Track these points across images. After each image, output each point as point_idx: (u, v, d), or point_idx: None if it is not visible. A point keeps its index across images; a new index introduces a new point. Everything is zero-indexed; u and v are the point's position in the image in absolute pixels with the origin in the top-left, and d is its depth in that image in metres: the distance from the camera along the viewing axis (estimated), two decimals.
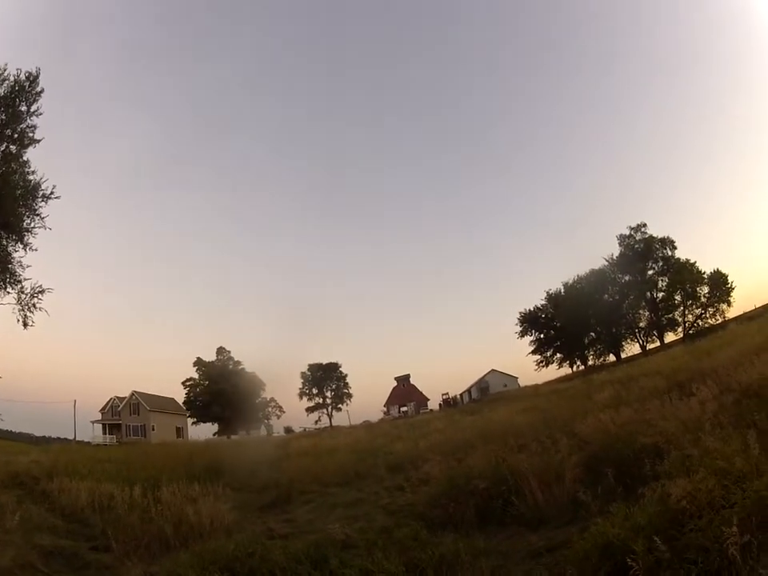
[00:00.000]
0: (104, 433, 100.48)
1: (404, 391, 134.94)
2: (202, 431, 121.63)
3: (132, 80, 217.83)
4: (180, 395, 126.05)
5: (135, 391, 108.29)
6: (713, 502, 7.80)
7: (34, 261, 36.47)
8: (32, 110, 35.48)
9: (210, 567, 10.68)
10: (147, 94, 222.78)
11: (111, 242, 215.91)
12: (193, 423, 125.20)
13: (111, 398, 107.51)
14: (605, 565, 8.01)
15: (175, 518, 15.94)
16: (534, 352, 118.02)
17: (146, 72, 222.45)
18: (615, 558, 7.87)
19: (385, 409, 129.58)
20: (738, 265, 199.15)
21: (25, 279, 35.82)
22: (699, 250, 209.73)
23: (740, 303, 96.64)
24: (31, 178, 35.63)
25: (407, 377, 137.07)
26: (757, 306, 77.34)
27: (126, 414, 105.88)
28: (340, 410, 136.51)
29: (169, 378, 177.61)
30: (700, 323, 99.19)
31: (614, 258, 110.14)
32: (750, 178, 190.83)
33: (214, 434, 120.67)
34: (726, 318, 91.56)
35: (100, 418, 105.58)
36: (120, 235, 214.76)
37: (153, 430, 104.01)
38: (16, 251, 35.82)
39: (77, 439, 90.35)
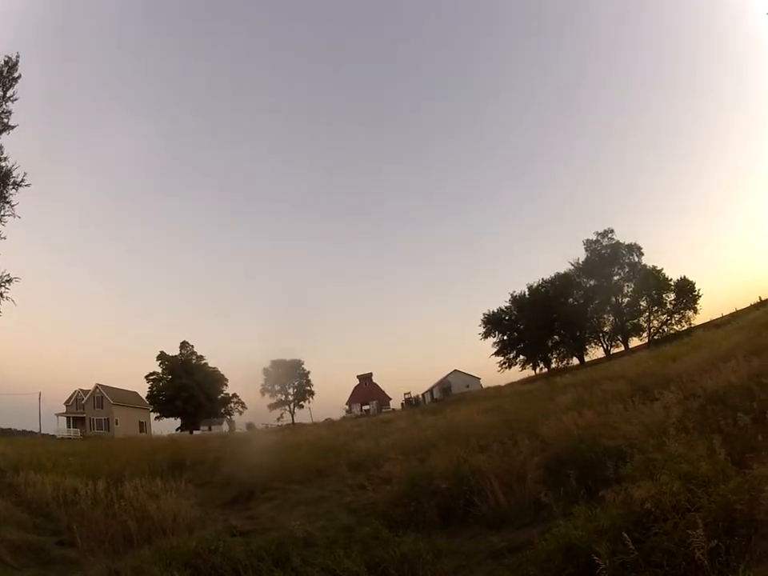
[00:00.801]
0: (68, 426, 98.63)
1: (366, 390, 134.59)
2: (165, 426, 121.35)
3: (131, 80, 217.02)
4: (143, 389, 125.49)
5: (99, 384, 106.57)
6: (678, 505, 7.71)
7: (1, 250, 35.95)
8: (8, 95, 34.95)
9: (173, 564, 10.65)
10: (147, 94, 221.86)
11: (78, 232, 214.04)
12: (156, 418, 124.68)
13: (76, 391, 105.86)
14: (568, 566, 7.94)
15: (138, 513, 15.82)
16: (497, 353, 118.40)
17: (146, 72, 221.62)
18: (578, 560, 7.81)
19: (347, 407, 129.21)
20: (705, 273, 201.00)
21: None
22: (667, 257, 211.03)
23: (707, 311, 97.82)
24: (3, 164, 35.10)
25: (369, 375, 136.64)
26: (724, 314, 77.82)
27: (90, 408, 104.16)
28: (302, 407, 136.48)
29: (132, 371, 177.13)
30: (665, 329, 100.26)
31: (580, 262, 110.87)
32: (722, 188, 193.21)
33: (176, 429, 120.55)
34: (692, 325, 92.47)
35: (65, 411, 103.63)
36: (86, 227, 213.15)
37: (116, 424, 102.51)
38: None
39: (42, 432, 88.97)
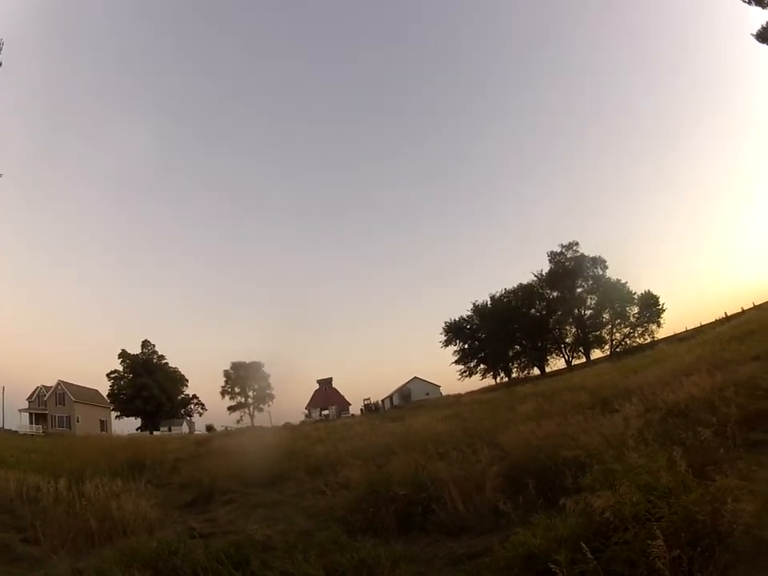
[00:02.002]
0: (31, 422, 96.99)
1: (326, 394, 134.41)
2: (126, 425, 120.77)
3: (130, 82, 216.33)
4: (105, 387, 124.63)
5: (61, 381, 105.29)
6: (638, 515, 7.68)
7: None
8: None
9: (135, 564, 10.55)
10: (147, 93, 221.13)
11: (42, 227, 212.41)
12: (117, 417, 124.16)
13: (38, 387, 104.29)
14: (527, 574, 7.93)
15: (99, 513, 15.62)
16: (457, 362, 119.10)
17: (145, 71, 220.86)
18: (537, 568, 7.78)
19: (306, 411, 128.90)
20: (671, 287, 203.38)
21: None
22: (633, 271, 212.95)
23: (671, 325, 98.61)
24: None
25: (329, 380, 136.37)
26: (688, 329, 78.47)
27: (52, 404, 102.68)
28: (262, 410, 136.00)
29: (94, 368, 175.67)
30: (628, 342, 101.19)
31: (543, 274, 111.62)
32: (689, 204, 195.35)
33: (137, 429, 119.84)
34: (656, 338, 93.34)
35: (27, 407, 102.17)
36: (52, 222, 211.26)
37: (77, 421, 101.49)
38: None
39: (5, 428, 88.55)
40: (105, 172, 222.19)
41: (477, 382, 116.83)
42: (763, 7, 38.55)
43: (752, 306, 64.87)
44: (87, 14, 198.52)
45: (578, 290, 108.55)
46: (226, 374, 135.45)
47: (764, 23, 38.64)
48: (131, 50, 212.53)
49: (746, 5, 39.17)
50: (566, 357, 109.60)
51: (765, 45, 39.53)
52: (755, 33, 39.44)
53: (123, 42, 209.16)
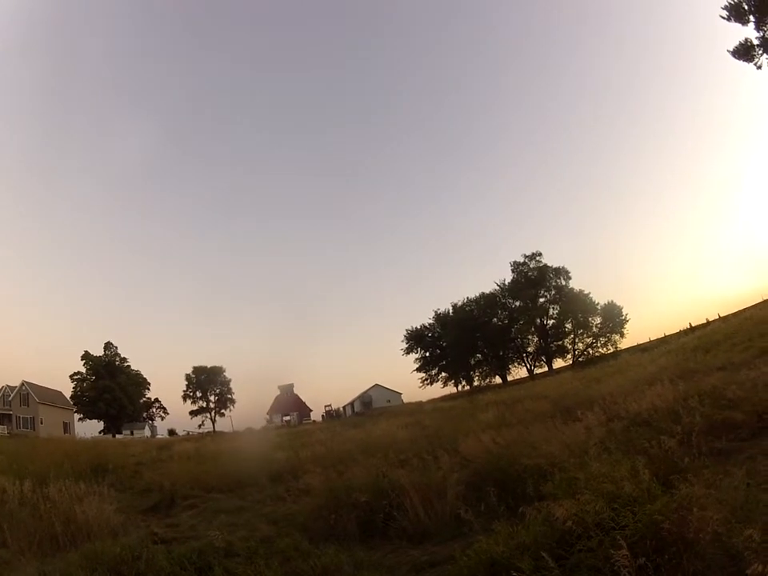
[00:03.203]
0: None
1: (287, 400, 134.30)
2: (89, 428, 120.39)
3: (130, 84, 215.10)
4: (68, 388, 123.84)
5: (25, 381, 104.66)
6: (602, 523, 7.64)
7: None
8: None
9: (99, 569, 10.49)
10: (149, 93, 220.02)
11: (10, 224, 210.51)
12: (79, 419, 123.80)
13: (3, 387, 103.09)
14: None
15: (64, 516, 15.44)
16: (419, 369, 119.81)
17: (147, 70, 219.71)
18: None
19: (268, 417, 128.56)
20: (635, 298, 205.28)
21: None
22: (597, 282, 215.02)
23: (635, 335, 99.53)
24: None
25: (291, 386, 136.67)
26: (651, 339, 79.14)
27: (17, 405, 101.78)
28: (223, 415, 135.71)
29: (57, 368, 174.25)
30: (591, 351, 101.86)
31: (506, 283, 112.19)
32: (656, 216, 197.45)
33: (99, 432, 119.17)
34: (619, 348, 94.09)
35: None
36: (19, 218, 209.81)
37: (41, 423, 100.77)
38: None
39: None
40: (96, 172, 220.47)
41: (438, 390, 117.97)
42: (743, 24, 38.86)
43: (717, 317, 65.46)
44: (87, 15, 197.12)
45: (541, 299, 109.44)
46: (188, 378, 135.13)
47: (741, 40, 38.98)
48: (131, 50, 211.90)
49: (726, 21, 39.46)
50: (528, 366, 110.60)
51: (740, 61, 39.87)
52: (731, 49, 39.80)
53: (123, 42, 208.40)
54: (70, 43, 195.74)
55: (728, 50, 40.00)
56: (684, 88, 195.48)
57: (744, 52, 39.21)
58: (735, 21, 39.07)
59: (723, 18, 39.27)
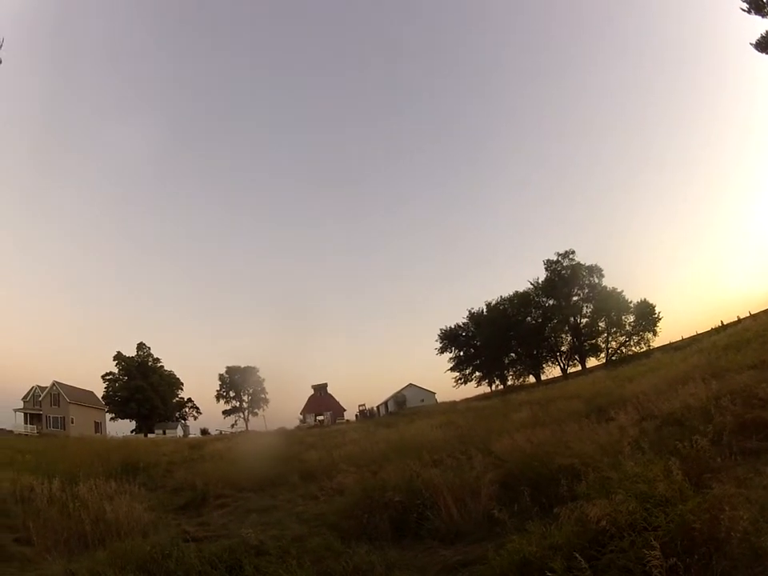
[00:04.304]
0: (25, 422, 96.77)
1: (321, 400, 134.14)
2: (120, 427, 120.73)
3: (129, 86, 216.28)
4: (100, 389, 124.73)
5: (56, 381, 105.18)
6: (634, 523, 7.64)
7: None
8: None
9: (128, 567, 10.47)
10: (150, 92, 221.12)
11: (41, 228, 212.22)
12: (111, 419, 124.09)
13: (33, 387, 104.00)
14: None
15: (93, 515, 15.46)
16: (452, 369, 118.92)
17: (145, 76, 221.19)
18: None
19: (301, 416, 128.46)
20: (667, 296, 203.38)
21: None
22: (630, 280, 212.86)
23: (667, 334, 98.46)
24: None
25: (324, 386, 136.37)
26: (684, 337, 78.25)
27: (47, 405, 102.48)
28: (257, 414, 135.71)
29: (89, 369, 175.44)
30: (623, 350, 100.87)
31: (540, 282, 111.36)
32: (686, 213, 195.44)
33: (131, 432, 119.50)
34: (651, 347, 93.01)
35: (22, 407, 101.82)
36: (50, 223, 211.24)
37: (72, 423, 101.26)
38: None
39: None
40: (103, 173, 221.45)
41: (472, 390, 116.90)
42: (763, 16, 38.50)
43: (748, 314, 64.64)
44: (87, 15, 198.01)
45: (574, 298, 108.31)
46: (221, 378, 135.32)
47: (763, 32, 38.59)
48: (132, 50, 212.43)
49: (746, 13, 39.13)
50: (562, 365, 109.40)
51: (764, 54, 39.49)
52: (754, 42, 39.43)
53: (124, 42, 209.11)
54: (71, 40, 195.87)
55: (751, 43, 39.62)
56: (704, 85, 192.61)
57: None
58: (755, 13, 38.76)
59: (743, 10, 38.92)
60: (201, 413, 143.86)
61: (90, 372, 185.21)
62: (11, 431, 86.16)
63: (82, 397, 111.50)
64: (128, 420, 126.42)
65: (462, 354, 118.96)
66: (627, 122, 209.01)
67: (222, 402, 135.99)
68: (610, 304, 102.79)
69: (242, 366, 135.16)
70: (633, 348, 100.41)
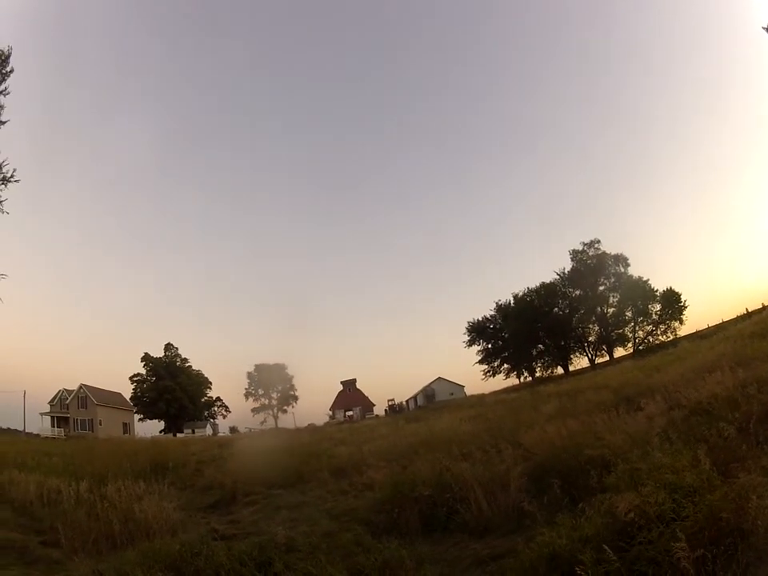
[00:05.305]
0: (53, 425, 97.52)
1: (350, 396, 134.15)
2: (149, 428, 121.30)
3: (129, 84, 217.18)
4: (127, 390, 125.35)
5: (83, 384, 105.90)
6: (662, 515, 7.67)
7: None
8: (0, 90, 34.63)
9: (157, 566, 10.48)
10: (151, 92, 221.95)
11: (65, 231, 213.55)
12: (139, 419, 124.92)
13: (60, 390, 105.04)
14: (552, 575, 7.90)
15: (121, 515, 15.54)
16: (481, 362, 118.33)
17: (147, 70, 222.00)
18: (562, 569, 7.77)
19: (330, 412, 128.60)
20: (692, 284, 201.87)
21: None
22: (655, 269, 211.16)
23: (693, 322, 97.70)
24: None
25: (353, 381, 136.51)
26: (710, 326, 77.67)
27: (74, 408, 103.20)
28: (286, 411, 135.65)
29: (117, 371, 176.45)
30: (650, 339, 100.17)
31: (566, 272, 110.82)
32: (709, 200, 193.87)
33: (160, 432, 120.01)
34: (678, 336, 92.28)
35: (49, 410, 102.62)
36: (74, 226, 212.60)
37: (100, 424, 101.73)
38: None
39: (26, 431, 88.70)
40: (119, 175, 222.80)
41: (500, 382, 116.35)
42: None
43: None
44: (87, 16, 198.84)
45: (601, 288, 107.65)
46: (250, 375, 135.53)
47: None
48: (133, 51, 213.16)
49: None
50: (590, 355, 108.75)
51: None
52: (766, 26, 39.13)
53: (124, 43, 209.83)
54: (68, 44, 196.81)
55: (763, 27, 39.31)
56: (726, 67, 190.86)
57: None
58: None
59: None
60: (230, 411, 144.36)
61: (117, 374, 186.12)
62: (38, 435, 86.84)
63: (109, 398, 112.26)
64: (156, 420, 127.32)
65: (489, 346, 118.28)
66: (647, 108, 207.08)
67: (250, 399, 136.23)
68: (636, 293, 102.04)
69: (271, 364, 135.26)
70: (660, 337, 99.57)
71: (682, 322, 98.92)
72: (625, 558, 7.31)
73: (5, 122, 35.32)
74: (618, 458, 12.22)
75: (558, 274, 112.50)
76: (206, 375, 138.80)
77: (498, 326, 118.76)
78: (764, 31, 39.70)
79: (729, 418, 13.00)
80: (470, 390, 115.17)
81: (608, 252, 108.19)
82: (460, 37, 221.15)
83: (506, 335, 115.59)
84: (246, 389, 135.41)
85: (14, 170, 35.01)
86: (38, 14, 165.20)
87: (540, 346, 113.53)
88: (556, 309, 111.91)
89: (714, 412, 14.86)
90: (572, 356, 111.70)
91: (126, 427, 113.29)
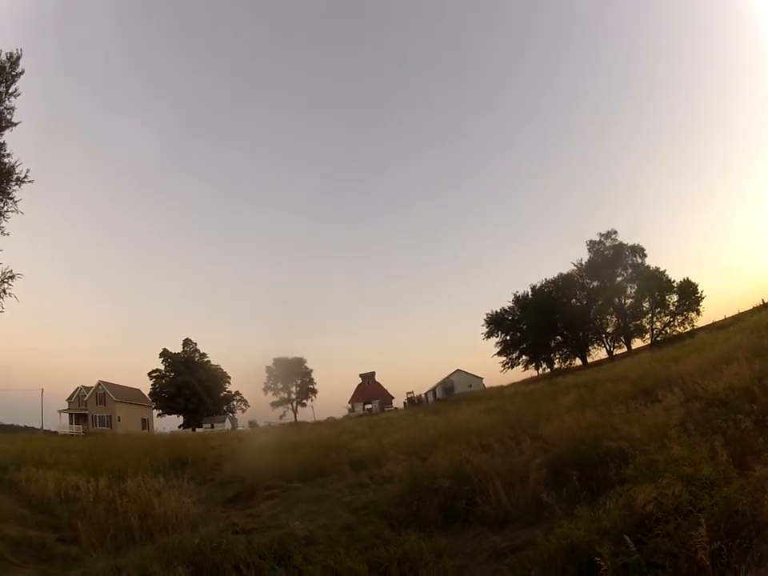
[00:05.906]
0: (71, 422, 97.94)
1: (369, 388, 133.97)
2: (168, 423, 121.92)
3: (130, 83, 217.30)
4: (146, 386, 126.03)
5: (102, 381, 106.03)
6: (680, 507, 7.74)
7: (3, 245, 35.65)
8: (10, 91, 34.81)
9: (176, 561, 10.59)
10: (145, 96, 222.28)
11: (80, 229, 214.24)
12: (158, 415, 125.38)
13: (78, 387, 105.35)
14: (570, 567, 7.93)
15: (140, 510, 15.70)
16: (499, 353, 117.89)
17: (145, 75, 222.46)
18: (580, 561, 7.80)
19: (349, 405, 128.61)
20: (709, 275, 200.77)
21: None
22: (671, 259, 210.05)
23: (710, 313, 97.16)
24: (6, 161, 34.89)
25: (372, 374, 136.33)
26: (726, 316, 77.32)
27: (93, 404, 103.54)
28: (305, 405, 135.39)
29: (135, 367, 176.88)
30: (668, 331, 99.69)
31: (583, 263, 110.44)
32: (725, 191, 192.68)
33: (179, 427, 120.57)
34: (695, 327, 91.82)
35: (67, 408, 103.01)
36: (89, 224, 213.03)
37: (119, 420, 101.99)
38: None
39: (44, 428, 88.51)
40: (128, 173, 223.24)
41: (519, 374, 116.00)
42: None
43: None
44: (88, 16, 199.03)
45: (618, 279, 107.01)
46: (268, 369, 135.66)
47: None
48: (133, 51, 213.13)
49: None
50: (608, 347, 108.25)
51: None
52: None
53: (125, 43, 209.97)
54: (69, 44, 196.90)
55: None
56: (742, 60, 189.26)
57: None
58: None
59: None
60: (249, 405, 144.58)
61: (136, 371, 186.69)
62: (56, 432, 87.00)
63: (128, 395, 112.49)
64: (176, 415, 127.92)
65: (508, 338, 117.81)
66: (663, 100, 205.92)
67: (269, 393, 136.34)
68: (653, 284, 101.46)
69: (289, 357, 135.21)
70: (677, 328, 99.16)
71: (698, 313, 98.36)
72: (642, 550, 7.35)
73: (16, 124, 35.52)
74: (636, 449, 12.30)
75: (575, 265, 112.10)
76: (224, 369, 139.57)
77: (516, 318, 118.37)
78: None
79: (746, 410, 13.06)
80: (488, 382, 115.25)
81: (625, 243, 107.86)
82: (460, 36, 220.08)
83: (525, 327, 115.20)
84: (264, 383, 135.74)
85: (28, 171, 35.16)
86: (40, 14, 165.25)
87: (558, 337, 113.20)
88: (574, 300, 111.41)
89: (731, 404, 14.89)
90: (590, 347, 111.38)
91: (145, 423, 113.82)
